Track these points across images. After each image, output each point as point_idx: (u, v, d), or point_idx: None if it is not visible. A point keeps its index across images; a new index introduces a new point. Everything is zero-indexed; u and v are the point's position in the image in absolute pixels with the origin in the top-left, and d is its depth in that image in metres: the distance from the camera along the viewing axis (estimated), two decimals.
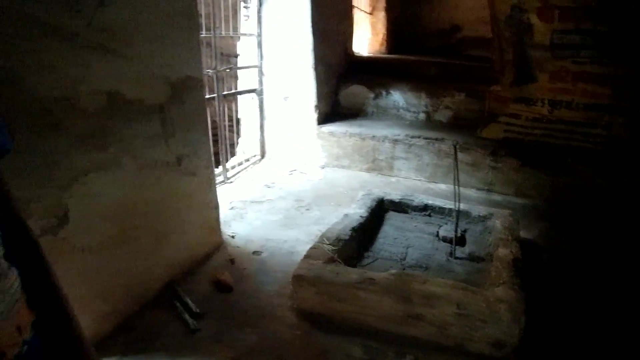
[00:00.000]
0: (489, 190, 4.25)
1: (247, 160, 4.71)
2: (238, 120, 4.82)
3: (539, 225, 3.62)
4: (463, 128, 4.69)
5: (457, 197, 2.85)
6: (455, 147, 2.92)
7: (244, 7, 4.41)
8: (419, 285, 2.26)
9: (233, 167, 4.43)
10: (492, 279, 2.38)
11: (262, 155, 4.95)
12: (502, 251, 2.64)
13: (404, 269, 2.70)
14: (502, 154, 4.18)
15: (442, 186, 4.33)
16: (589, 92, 3.97)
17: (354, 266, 2.68)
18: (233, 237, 3.25)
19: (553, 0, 3.80)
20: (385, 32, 6.98)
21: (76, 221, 2.00)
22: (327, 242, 2.73)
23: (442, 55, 6.39)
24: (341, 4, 5.21)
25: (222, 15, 3.92)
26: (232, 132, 4.72)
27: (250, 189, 4.16)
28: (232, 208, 3.72)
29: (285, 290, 2.66)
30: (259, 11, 4.44)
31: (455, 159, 2.90)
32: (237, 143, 4.89)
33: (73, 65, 1.91)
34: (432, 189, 4.26)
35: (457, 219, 2.92)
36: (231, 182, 4.24)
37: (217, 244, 3.09)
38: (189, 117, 2.71)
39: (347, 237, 2.83)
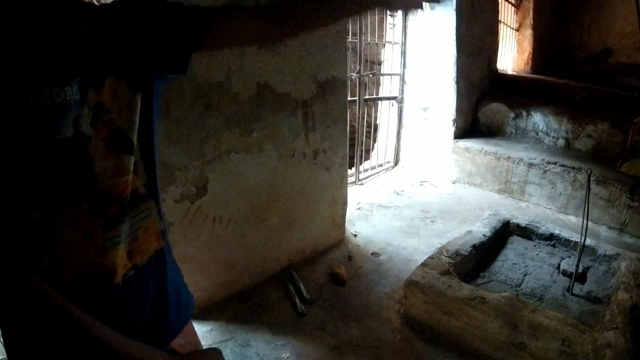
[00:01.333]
0: (620, 230, 3.83)
1: (380, 165, 4.80)
2: (376, 126, 4.92)
3: None
4: (603, 160, 4.28)
5: (584, 230, 2.65)
6: (588, 176, 2.70)
7: (390, 15, 4.50)
8: (528, 314, 2.17)
9: (366, 170, 4.55)
10: (605, 322, 2.20)
11: (396, 163, 5.00)
12: (622, 295, 2.42)
13: (517, 296, 2.59)
14: None
15: (572, 218, 4.01)
16: None
17: (468, 283, 2.62)
18: (355, 235, 3.36)
19: None
20: (532, 51, 6.59)
21: (213, 194, 2.25)
22: (446, 255, 2.71)
23: (590, 81, 5.86)
24: (488, 18, 5.04)
25: (369, 22, 4.05)
26: (369, 137, 4.83)
27: (379, 193, 4.24)
28: (358, 208, 3.83)
29: (396, 294, 2.70)
30: (405, 20, 4.50)
31: (588, 188, 2.68)
32: (373, 148, 4.99)
33: (229, 55, 2.15)
34: (562, 220, 3.96)
35: (581, 253, 2.71)
36: (362, 184, 4.36)
37: (339, 239, 3.22)
38: (330, 115, 2.87)
39: (466, 253, 2.79)
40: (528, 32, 6.53)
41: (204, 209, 2.25)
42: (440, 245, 3.04)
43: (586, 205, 2.65)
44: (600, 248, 3.04)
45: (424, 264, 2.61)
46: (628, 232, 3.82)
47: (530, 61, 6.60)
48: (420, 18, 4.48)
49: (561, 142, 4.66)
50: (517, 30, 6.61)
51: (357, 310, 2.55)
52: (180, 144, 2.04)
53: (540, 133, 4.78)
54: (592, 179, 3.78)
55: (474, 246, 2.88)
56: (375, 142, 5.01)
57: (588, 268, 2.93)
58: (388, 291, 2.75)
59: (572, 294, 2.69)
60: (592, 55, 7.21)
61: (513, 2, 6.37)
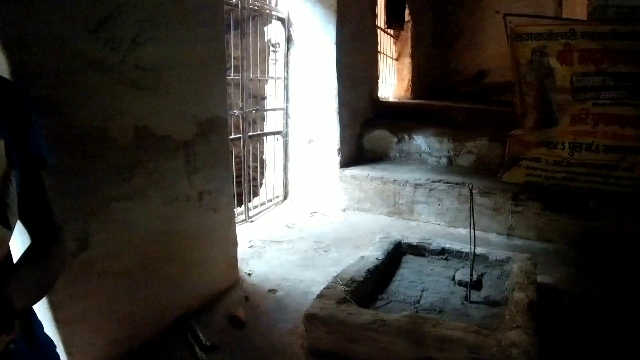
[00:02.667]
0: (509, 235, 4.20)
1: (270, 200, 4.78)
2: (263, 161, 4.93)
3: (561, 269, 3.55)
4: (485, 172, 4.69)
5: (472, 240, 2.84)
6: (470, 190, 2.92)
7: (273, 51, 4.59)
8: (430, 328, 2.24)
9: (255, 207, 4.50)
10: (506, 323, 2.34)
11: (285, 197, 5.03)
12: (518, 295, 2.60)
13: (417, 312, 2.69)
14: (524, 198, 4.15)
15: (462, 230, 4.30)
16: (610, 133, 3.95)
17: (367, 307, 2.67)
18: (249, 274, 3.29)
19: (574, 44, 3.86)
20: (411, 78, 7.11)
21: (98, 247, 2.08)
22: (341, 283, 2.74)
23: (468, 101, 6.45)
24: (367, 50, 5.36)
25: (251, 58, 4.09)
26: (257, 172, 4.82)
27: (270, 228, 4.21)
28: (251, 246, 3.77)
29: (298, 329, 2.66)
30: (287, 55, 4.61)
31: (471, 201, 2.90)
32: (261, 183, 4.98)
33: (107, 98, 2.04)
34: (452, 234, 4.23)
35: (472, 262, 2.89)
36: (252, 221, 4.30)
37: (233, 280, 3.12)
38: (213, 156, 2.81)
39: (361, 279, 2.83)
40: (407, 61, 7.02)
41: (89, 264, 2.07)
42: (336, 274, 3.09)
43: (471, 218, 2.85)
44: (492, 255, 3.24)
45: (320, 295, 2.61)
46: (516, 235, 4.17)
47: (410, 88, 7.08)
48: (301, 53, 4.61)
49: (444, 160, 5.01)
50: (397, 59, 7.07)
51: (261, 352, 2.47)
52: (58, 196, 1.87)
53: (423, 154, 5.10)
54: (476, 191, 4.16)
55: (368, 271, 2.93)
56: (263, 177, 5.01)
57: (482, 275, 3.11)
58: (290, 327, 2.70)
59: (471, 302, 2.82)
60: (468, 78, 7.92)
61: (392, 33, 6.81)
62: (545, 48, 3.99)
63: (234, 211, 3.14)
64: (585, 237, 3.97)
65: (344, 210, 4.81)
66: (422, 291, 2.98)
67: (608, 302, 3.06)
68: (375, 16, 5.54)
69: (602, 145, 3.98)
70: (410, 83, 7.10)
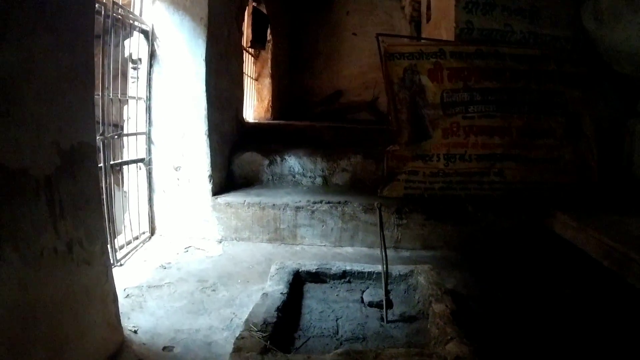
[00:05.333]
0: (396, 248, 4.25)
1: (136, 238, 4.16)
2: (124, 193, 4.29)
3: (454, 274, 3.65)
4: (363, 189, 4.74)
5: (384, 259, 2.76)
6: (379, 209, 2.85)
7: (132, 67, 4.02)
8: None
9: (121, 247, 3.85)
10: (437, 337, 2.28)
11: (152, 232, 4.44)
12: (438, 307, 2.56)
13: (340, 344, 2.50)
14: (407, 210, 4.26)
15: (349, 249, 4.24)
16: (480, 143, 4.26)
17: (289, 351, 2.38)
18: (135, 331, 2.72)
19: (443, 62, 4.12)
20: (271, 99, 6.96)
21: None
22: (256, 330, 2.38)
23: (327, 120, 6.53)
24: (234, 69, 5.08)
25: (111, 75, 3.49)
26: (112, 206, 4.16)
27: (144, 271, 3.62)
28: (127, 296, 3.17)
29: None
30: (149, 73, 4.09)
31: (380, 221, 2.82)
32: (123, 218, 4.32)
33: None
34: (340, 254, 4.13)
35: (386, 281, 2.79)
36: (121, 264, 3.66)
37: (119, 342, 2.53)
38: (81, 193, 2.25)
39: (274, 320, 2.52)
40: (267, 81, 6.85)
41: None
42: (234, 317, 2.81)
43: (382, 238, 2.79)
44: (394, 270, 3.19)
45: (237, 349, 2.21)
46: (403, 247, 4.25)
47: (270, 108, 6.91)
48: (166, 71, 4.11)
49: (319, 180, 4.95)
50: (257, 79, 6.84)
51: None
52: None
53: (297, 175, 4.97)
54: (360, 208, 4.22)
55: (278, 309, 2.63)
56: (124, 211, 4.36)
57: (389, 291, 3.00)
58: None
59: (389, 322, 2.71)
60: (325, 98, 8.03)
61: (252, 52, 6.57)
62: (416, 67, 4.18)
63: (109, 260, 2.56)
64: (467, 240, 4.22)
65: (220, 242, 4.40)
66: (336, 320, 2.78)
67: (507, 298, 3.24)
68: (241, 34, 5.28)
69: (474, 154, 4.27)
70: (270, 104, 6.93)
